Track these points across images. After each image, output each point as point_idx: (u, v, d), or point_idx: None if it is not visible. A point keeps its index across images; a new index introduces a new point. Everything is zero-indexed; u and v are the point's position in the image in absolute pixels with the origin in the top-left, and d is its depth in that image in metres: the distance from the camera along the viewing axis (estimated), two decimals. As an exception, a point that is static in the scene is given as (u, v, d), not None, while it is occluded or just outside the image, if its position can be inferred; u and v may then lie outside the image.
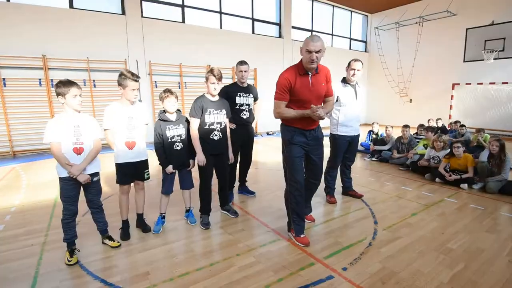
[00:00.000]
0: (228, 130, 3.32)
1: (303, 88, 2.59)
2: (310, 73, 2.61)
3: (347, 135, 3.76)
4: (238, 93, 3.71)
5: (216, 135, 3.12)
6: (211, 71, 3.01)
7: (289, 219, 2.95)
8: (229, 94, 3.62)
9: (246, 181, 4.25)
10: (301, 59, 2.61)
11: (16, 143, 7.21)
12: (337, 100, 3.67)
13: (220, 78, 3.04)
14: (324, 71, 2.72)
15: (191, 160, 3.14)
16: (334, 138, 3.79)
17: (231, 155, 3.39)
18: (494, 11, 10.58)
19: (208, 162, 3.12)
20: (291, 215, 2.86)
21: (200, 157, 3.06)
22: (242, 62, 3.72)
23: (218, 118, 3.12)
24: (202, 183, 3.22)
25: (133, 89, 2.73)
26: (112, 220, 3.10)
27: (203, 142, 3.08)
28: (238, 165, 3.95)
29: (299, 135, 2.70)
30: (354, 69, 3.64)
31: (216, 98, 3.16)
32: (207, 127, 3.07)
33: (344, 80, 3.76)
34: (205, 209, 3.26)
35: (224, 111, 3.17)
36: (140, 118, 2.88)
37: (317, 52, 2.46)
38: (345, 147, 3.83)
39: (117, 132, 2.78)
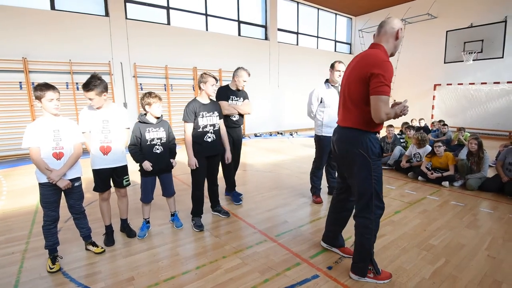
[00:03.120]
0: (224, 131, 3.34)
1: None
2: None
3: (331, 136, 3.81)
4: (231, 96, 3.77)
5: (209, 137, 3.14)
6: (209, 74, 3.06)
7: (361, 261, 2.24)
8: (227, 95, 3.73)
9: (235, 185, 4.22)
10: (382, 47, 2.10)
11: (-4, 149, 6.99)
12: (321, 102, 3.74)
13: (217, 80, 3.12)
14: None
15: (172, 160, 3.10)
16: (319, 139, 3.84)
17: (228, 155, 3.41)
18: (473, 14, 10.96)
19: (202, 164, 3.13)
20: (370, 252, 2.21)
21: (191, 160, 3.06)
22: (247, 71, 3.79)
23: (211, 121, 3.14)
24: (195, 185, 3.21)
25: (89, 99, 2.61)
26: (96, 226, 3.06)
27: (197, 144, 3.10)
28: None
29: (379, 144, 2.17)
30: (340, 71, 3.70)
31: (208, 100, 3.18)
32: (200, 130, 3.09)
33: (328, 82, 3.81)
34: (197, 212, 3.25)
35: (216, 113, 3.19)
36: (117, 121, 2.78)
37: None
38: (330, 148, 3.88)
39: (93, 137, 2.71)
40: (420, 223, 3.28)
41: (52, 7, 7.53)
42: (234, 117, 3.80)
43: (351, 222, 3.27)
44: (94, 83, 2.56)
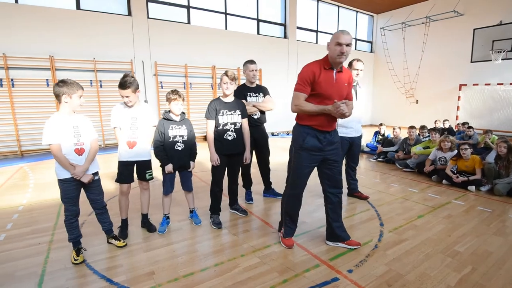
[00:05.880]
0: (246, 130, 3.28)
1: (326, 83, 2.45)
2: (335, 69, 2.49)
3: (348, 137, 3.74)
4: (248, 93, 3.69)
5: (230, 135, 3.13)
6: (225, 72, 3.07)
7: (281, 219, 2.89)
8: (242, 93, 3.63)
9: (271, 183, 4.18)
10: (327, 55, 2.50)
11: (24, 143, 7.30)
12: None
13: (233, 79, 3.07)
14: (348, 73, 2.62)
15: (191, 162, 3.14)
16: None
17: (247, 155, 3.36)
18: (502, 11, 10.45)
19: (221, 162, 3.14)
20: (284, 217, 2.80)
21: (213, 157, 3.09)
22: (252, 61, 3.68)
23: (232, 119, 3.12)
24: (213, 182, 3.23)
25: (122, 96, 2.76)
26: (117, 220, 3.10)
27: (217, 142, 3.11)
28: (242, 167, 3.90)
29: (312, 137, 2.51)
30: (357, 69, 3.61)
31: (231, 99, 3.17)
32: (221, 127, 3.10)
33: None
34: (215, 209, 3.28)
35: (238, 112, 3.17)
36: (144, 119, 2.91)
37: (347, 45, 2.39)
38: (346, 149, 3.81)
39: (122, 132, 2.85)
40: (444, 228, 3.16)
41: (78, 6, 7.77)
42: (255, 115, 3.69)
43: (368, 227, 3.22)
44: (129, 80, 2.69)
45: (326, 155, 2.59)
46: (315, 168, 2.71)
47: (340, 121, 3.68)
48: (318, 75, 2.44)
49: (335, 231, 2.74)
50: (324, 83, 2.45)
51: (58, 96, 2.35)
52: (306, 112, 2.48)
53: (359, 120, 3.80)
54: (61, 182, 2.43)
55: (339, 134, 3.68)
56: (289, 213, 2.75)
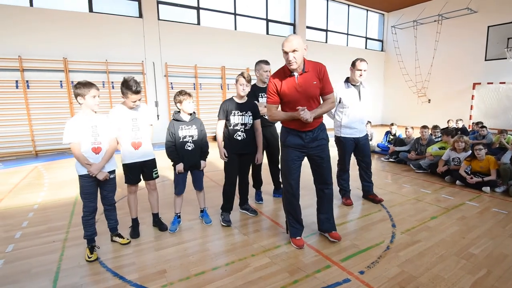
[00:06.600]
0: (258, 131, 3.29)
1: (290, 90, 2.53)
2: (296, 74, 2.51)
3: (351, 137, 3.69)
4: (260, 94, 3.69)
5: (239, 136, 3.16)
6: (241, 73, 3.09)
7: (286, 220, 2.90)
8: (254, 95, 3.62)
9: (281, 183, 4.16)
10: None
11: (39, 143, 7.49)
12: (339, 102, 3.61)
13: (249, 81, 3.10)
14: (316, 68, 2.55)
15: (202, 161, 3.17)
16: (338, 140, 3.75)
17: (259, 156, 3.37)
18: (518, 8, 10.19)
19: (233, 161, 3.18)
20: (287, 215, 2.85)
21: (220, 151, 3.19)
22: (266, 62, 3.68)
23: (242, 120, 3.15)
24: (225, 181, 3.27)
25: (134, 101, 2.75)
26: (128, 219, 3.15)
27: (228, 141, 3.18)
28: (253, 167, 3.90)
29: (294, 136, 2.63)
30: (361, 70, 3.53)
31: (244, 100, 3.19)
32: (231, 127, 3.14)
33: (348, 81, 3.68)
34: (227, 207, 3.30)
35: (249, 113, 3.19)
36: (144, 119, 2.92)
37: (292, 51, 2.38)
38: (351, 149, 3.77)
39: (123, 134, 2.82)
40: (458, 230, 3.10)
41: (90, 9, 7.92)
42: (266, 115, 3.71)
43: (380, 228, 3.18)
44: (140, 86, 2.75)
45: (310, 151, 2.67)
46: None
47: (343, 121, 3.65)
48: (280, 85, 2.56)
49: (319, 222, 2.93)
50: (287, 91, 2.54)
51: (76, 98, 2.48)
52: (279, 120, 2.71)
53: (362, 120, 3.73)
54: (81, 178, 2.53)
55: (342, 135, 3.67)
56: (290, 211, 2.79)
